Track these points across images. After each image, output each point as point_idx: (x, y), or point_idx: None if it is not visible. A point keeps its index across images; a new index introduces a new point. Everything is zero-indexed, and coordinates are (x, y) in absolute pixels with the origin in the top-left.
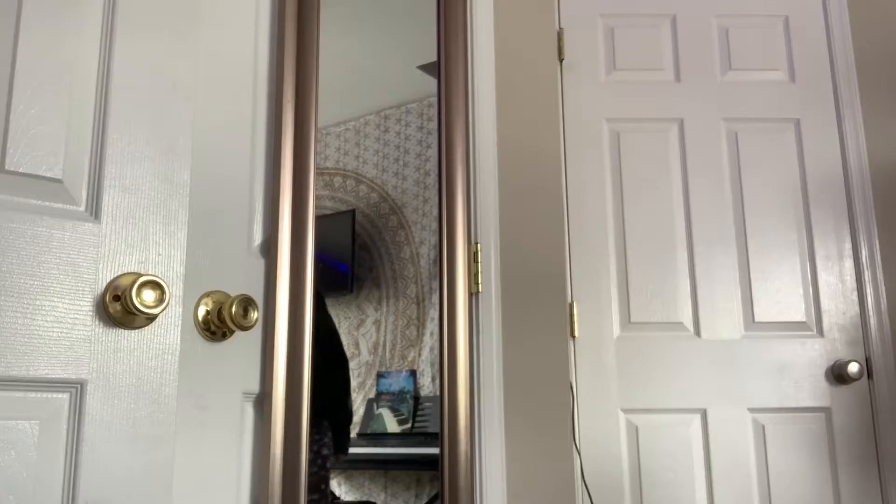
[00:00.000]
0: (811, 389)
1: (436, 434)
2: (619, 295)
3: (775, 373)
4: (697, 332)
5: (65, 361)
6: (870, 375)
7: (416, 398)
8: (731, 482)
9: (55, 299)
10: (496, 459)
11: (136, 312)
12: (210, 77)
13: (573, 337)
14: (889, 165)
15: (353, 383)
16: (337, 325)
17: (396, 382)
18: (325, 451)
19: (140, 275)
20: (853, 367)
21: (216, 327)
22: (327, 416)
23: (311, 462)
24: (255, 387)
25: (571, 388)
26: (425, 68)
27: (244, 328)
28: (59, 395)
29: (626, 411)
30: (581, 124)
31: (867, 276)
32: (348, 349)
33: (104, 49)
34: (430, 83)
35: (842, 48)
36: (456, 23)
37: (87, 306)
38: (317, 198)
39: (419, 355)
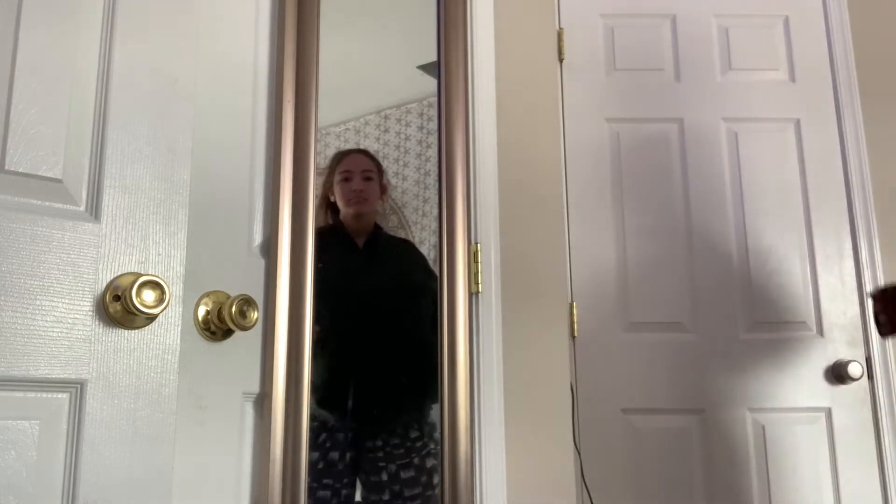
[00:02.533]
0: (811, 389)
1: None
2: (619, 295)
3: (775, 373)
4: (698, 332)
5: (65, 361)
6: (870, 375)
7: None
8: (731, 482)
9: (55, 299)
10: (496, 459)
11: (136, 312)
12: (210, 76)
13: (573, 337)
14: (889, 165)
15: None
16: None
17: None
18: (436, 481)
19: (140, 275)
20: (853, 367)
21: (216, 327)
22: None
23: (428, 486)
24: (255, 387)
25: (571, 388)
26: (425, 68)
27: (244, 328)
28: (59, 395)
29: (626, 411)
30: (581, 124)
31: (867, 276)
32: None
33: (104, 49)
34: (430, 83)
35: (842, 48)
36: (456, 23)
37: (87, 306)
38: (316, 197)
39: None
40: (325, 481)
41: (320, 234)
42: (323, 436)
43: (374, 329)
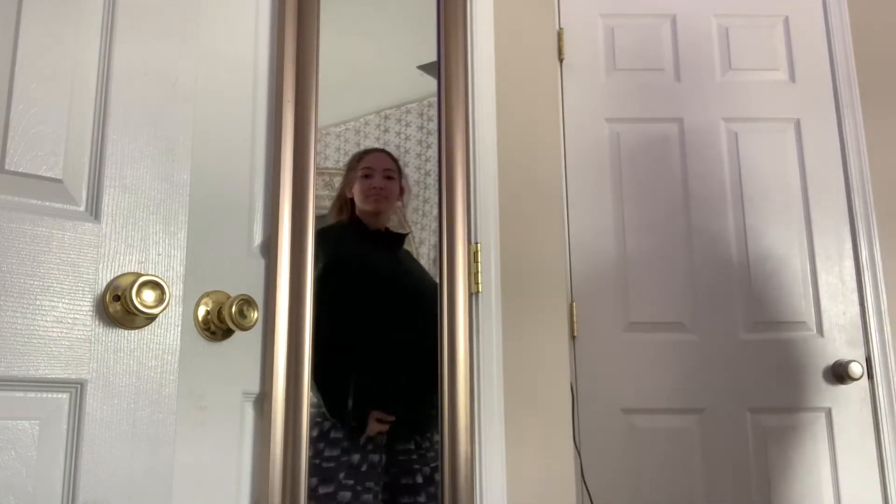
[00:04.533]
0: (811, 389)
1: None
2: (619, 295)
3: (775, 373)
4: (698, 332)
5: (65, 361)
6: (870, 375)
7: None
8: (731, 482)
9: (55, 299)
10: (496, 459)
11: (136, 312)
12: (210, 77)
13: (573, 337)
14: (889, 165)
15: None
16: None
17: None
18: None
19: (140, 275)
20: (853, 367)
21: (216, 327)
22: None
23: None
24: (255, 387)
25: (571, 388)
26: (425, 68)
27: (244, 328)
28: (59, 395)
29: (626, 411)
30: (581, 124)
31: (867, 276)
32: None
33: (104, 49)
34: (430, 83)
35: (842, 48)
36: (456, 23)
37: (87, 306)
38: (317, 198)
39: None
40: (369, 484)
41: (340, 227)
42: (364, 437)
43: (402, 325)
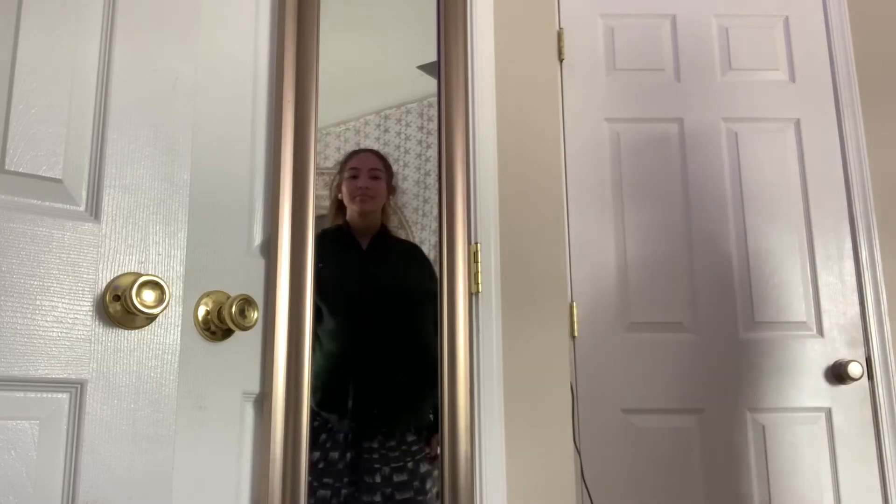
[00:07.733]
0: (811, 389)
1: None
2: (619, 295)
3: (775, 373)
4: (698, 332)
5: (65, 361)
6: (870, 375)
7: None
8: (731, 482)
9: (55, 299)
10: (496, 459)
11: (136, 312)
12: (210, 77)
13: (573, 337)
14: (889, 165)
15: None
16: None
17: None
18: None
19: (140, 275)
20: (853, 367)
21: (216, 327)
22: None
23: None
24: (255, 387)
25: (571, 388)
26: (425, 68)
27: (244, 328)
28: (59, 395)
29: (626, 411)
30: (581, 124)
31: (867, 276)
32: None
33: (104, 49)
34: (430, 83)
35: (842, 48)
36: (456, 23)
37: (87, 306)
38: (317, 198)
39: None
40: (326, 480)
41: (326, 235)
42: (324, 436)
43: (373, 330)
